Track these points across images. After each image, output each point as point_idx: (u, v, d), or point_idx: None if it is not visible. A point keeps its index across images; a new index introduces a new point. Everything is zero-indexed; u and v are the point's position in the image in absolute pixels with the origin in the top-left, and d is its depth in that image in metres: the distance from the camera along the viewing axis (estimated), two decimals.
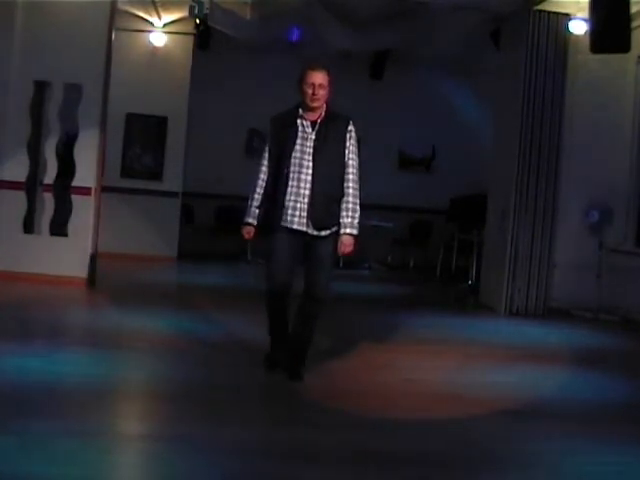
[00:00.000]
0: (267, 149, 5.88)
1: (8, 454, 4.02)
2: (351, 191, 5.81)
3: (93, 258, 9.96)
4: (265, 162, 5.86)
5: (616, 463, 4.67)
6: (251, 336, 7.18)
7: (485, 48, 11.74)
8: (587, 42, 8.73)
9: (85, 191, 9.93)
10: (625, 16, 8.14)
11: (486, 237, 11.20)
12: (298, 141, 5.73)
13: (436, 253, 14.05)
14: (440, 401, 5.84)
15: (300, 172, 5.70)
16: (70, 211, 9.97)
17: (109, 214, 11.20)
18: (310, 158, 5.71)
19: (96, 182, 10.03)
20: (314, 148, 5.72)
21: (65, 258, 9.80)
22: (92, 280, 9.92)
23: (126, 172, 13.56)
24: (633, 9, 8.28)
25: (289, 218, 5.72)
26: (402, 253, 14.87)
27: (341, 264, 14.00)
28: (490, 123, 11.79)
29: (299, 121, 5.77)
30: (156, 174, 13.61)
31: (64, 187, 10.05)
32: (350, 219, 5.79)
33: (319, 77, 5.72)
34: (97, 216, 10.07)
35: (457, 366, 7.02)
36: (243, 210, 5.97)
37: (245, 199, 5.94)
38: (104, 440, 4.44)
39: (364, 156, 17.21)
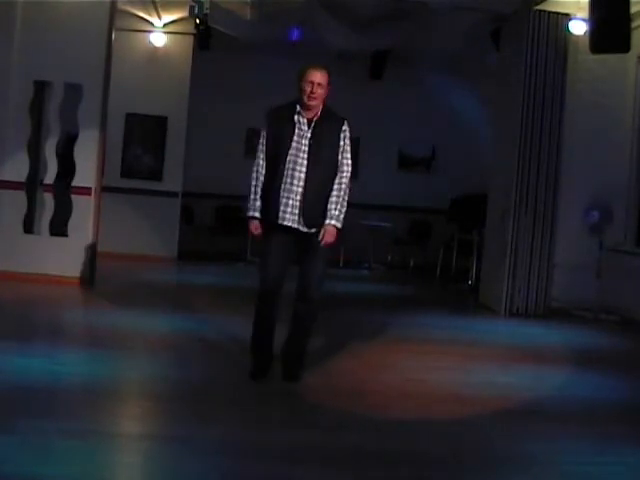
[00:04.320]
0: (263, 142, 5.83)
1: (8, 454, 4.02)
2: (343, 186, 5.80)
3: (93, 258, 9.96)
4: (262, 155, 5.81)
5: (616, 463, 4.67)
6: (250, 336, 7.17)
7: (485, 48, 11.74)
8: (587, 42, 8.72)
9: (85, 191, 9.93)
10: (625, 16, 8.14)
11: (486, 237, 11.20)
12: (295, 138, 5.71)
13: (436, 253, 14.04)
14: (440, 401, 5.84)
15: (294, 169, 5.69)
16: (70, 211, 9.97)
17: (109, 214, 11.20)
18: (305, 156, 5.69)
19: (96, 182, 10.04)
20: (309, 146, 5.71)
21: (65, 258, 9.80)
22: (92, 280, 9.92)
23: (126, 172, 13.56)
24: (633, 9, 8.28)
25: (281, 214, 5.70)
26: (402, 253, 14.87)
27: (341, 264, 14.06)
28: (490, 123, 11.79)
29: (296, 118, 5.75)
30: (156, 174, 13.61)
31: (64, 187, 10.05)
32: (337, 212, 5.77)
33: (318, 76, 5.70)
34: (97, 216, 10.07)
35: (457, 366, 7.01)
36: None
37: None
38: (104, 440, 4.43)
39: (364, 156, 17.24)
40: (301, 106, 5.75)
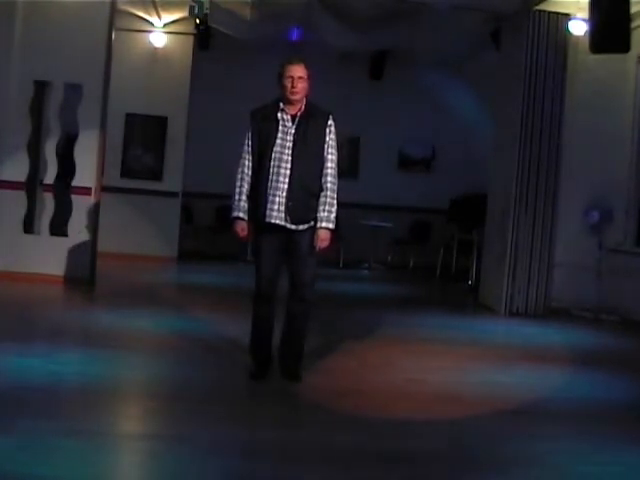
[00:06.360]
0: (249, 143, 5.83)
1: (8, 454, 4.02)
2: (329, 185, 5.77)
3: (93, 258, 9.96)
4: (247, 156, 5.80)
5: (616, 463, 4.66)
6: (249, 337, 7.17)
7: (485, 48, 11.74)
8: (587, 42, 8.73)
9: (85, 191, 9.94)
10: (625, 16, 8.14)
11: (486, 237, 11.20)
12: (279, 135, 5.70)
13: (436, 253, 14.05)
14: (440, 401, 5.84)
15: (280, 166, 5.66)
16: (70, 211, 9.98)
17: (109, 214, 11.20)
18: (289, 152, 5.67)
19: (96, 182, 10.04)
20: (294, 142, 5.68)
21: (65, 258, 9.80)
22: (92, 280, 9.92)
23: (126, 172, 13.57)
24: (633, 9, 8.28)
25: (268, 212, 5.67)
26: (402, 253, 14.88)
27: (341, 264, 14.06)
28: (490, 123, 11.79)
29: (279, 115, 5.73)
30: (156, 174, 13.61)
31: (64, 187, 10.06)
32: (326, 213, 5.75)
33: (298, 70, 5.71)
34: (97, 216, 10.07)
35: (457, 366, 7.01)
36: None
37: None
38: (104, 440, 4.43)
39: (364, 156, 17.20)
40: (284, 103, 5.74)
